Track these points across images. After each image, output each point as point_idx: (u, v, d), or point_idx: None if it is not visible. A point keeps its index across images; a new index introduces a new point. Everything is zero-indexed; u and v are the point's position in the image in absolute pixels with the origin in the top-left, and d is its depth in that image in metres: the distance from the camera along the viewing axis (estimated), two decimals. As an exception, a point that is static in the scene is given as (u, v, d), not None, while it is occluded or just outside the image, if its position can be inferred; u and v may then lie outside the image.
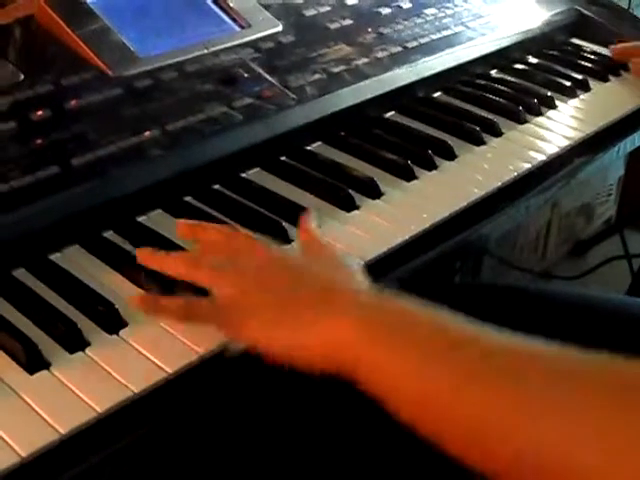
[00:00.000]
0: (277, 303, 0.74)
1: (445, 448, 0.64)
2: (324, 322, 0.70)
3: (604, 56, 1.46)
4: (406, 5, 1.33)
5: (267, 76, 1.08)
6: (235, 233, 0.84)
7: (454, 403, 0.63)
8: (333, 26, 1.22)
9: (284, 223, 0.91)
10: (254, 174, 1.02)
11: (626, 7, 1.83)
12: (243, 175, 1.01)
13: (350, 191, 0.98)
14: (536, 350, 0.64)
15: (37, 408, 0.68)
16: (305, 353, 0.71)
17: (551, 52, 1.47)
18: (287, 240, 0.90)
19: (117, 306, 0.78)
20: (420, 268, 0.93)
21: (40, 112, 0.92)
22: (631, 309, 1.14)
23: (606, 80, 1.39)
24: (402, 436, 0.75)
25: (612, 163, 2.09)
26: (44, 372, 0.72)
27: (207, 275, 0.77)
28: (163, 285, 0.80)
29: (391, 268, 0.85)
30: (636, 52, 1.39)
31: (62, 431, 0.66)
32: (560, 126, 1.21)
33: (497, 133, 1.17)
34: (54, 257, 0.85)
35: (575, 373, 0.62)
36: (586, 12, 1.52)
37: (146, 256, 0.82)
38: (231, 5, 1.14)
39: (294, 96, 1.06)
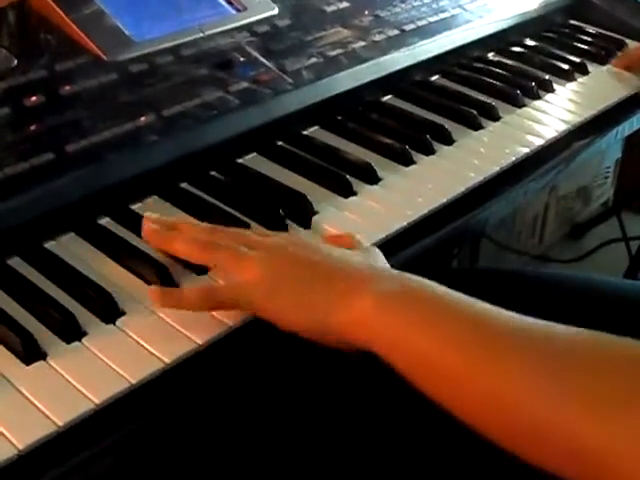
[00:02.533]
0: (295, 283, 0.74)
1: (466, 423, 0.66)
2: (343, 301, 0.71)
3: (602, 38, 1.45)
4: (403, -13, 1.32)
5: (263, 60, 1.07)
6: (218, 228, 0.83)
7: (471, 378, 0.65)
8: (330, 9, 1.21)
9: (281, 210, 0.90)
10: (251, 159, 1.01)
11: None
12: (240, 160, 1.01)
13: (347, 176, 0.97)
14: (550, 329, 0.66)
15: (34, 399, 0.67)
16: (325, 330, 0.72)
17: (549, 34, 1.46)
18: (284, 227, 0.89)
19: (114, 295, 0.77)
20: (418, 254, 0.92)
21: (34, 98, 0.90)
22: (629, 292, 1.14)
23: (604, 63, 1.38)
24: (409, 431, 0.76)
25: (610, 146, 2.09)
26: (40, 363, 0.71)
27: (226, 257, 0.77)
28: (159, 271, 0.80)
29: (389, 254, 0.84)
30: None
31: (59, 423, 0.66)
32: (558, 110, 1.20)
33: (495, 117, 1.16)
34: (49, 245, 0.85)
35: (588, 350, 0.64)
36: (584, -7, 1.51)
37: (152, 232, 0.82)
38: (226, -12, 1.13)
39: (291, 80, 1.05)
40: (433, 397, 0.68)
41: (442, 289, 0.71)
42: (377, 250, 0.83)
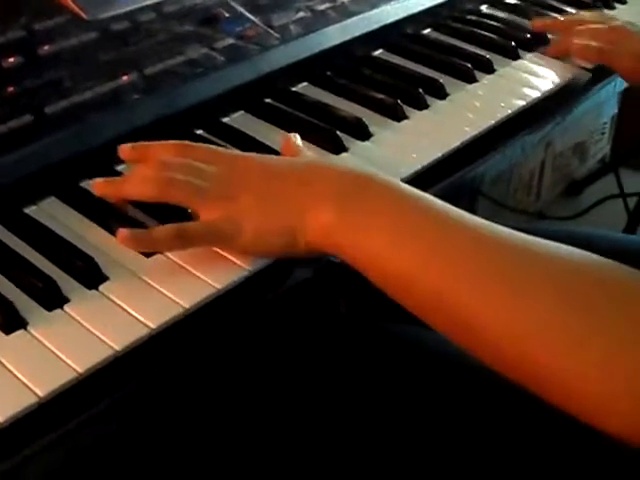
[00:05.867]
0: (258, 214, 0.74)
1: (436, 328, 0.68)
2: (307, 220, 0.72)
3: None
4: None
5: (249, 15, 1.04)
6: (187, 145, 0.82)
7: (420, 279, 0.67)
8: (317, -38, 1.17)
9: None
10: (238, 117, 0.99)
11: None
12: (226, 119, 0.98)
13: (338, 132, 0.94)
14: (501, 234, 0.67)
15: (14, 370, 0.65)
16: (296, 248, 0.74)
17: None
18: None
19: (97, 260, 0.75)
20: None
21: (12, 59, 0.88)
22: (629, 246, 1.13)
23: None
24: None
25: (606, 101, 2.06)
26: (21, 332, 0.68)
27: (184, 195, 0.76)
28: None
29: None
30: (556, 27, 1.26)
31: (41, 394, 0.63)
32: (554, 62, 1.17)
33: (489, 70, 1.13)
34: (29, 210, 0.82)
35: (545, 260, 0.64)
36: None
37: (103, 185, 0.80)
38: (210, -59, 1.10)
39: (278, 35, 1.03)
40: (387, 293, 0.70)
41: (394, 186, 0.73)
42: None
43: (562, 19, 1.27)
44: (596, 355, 0.58)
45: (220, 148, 0.82)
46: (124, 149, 0.82)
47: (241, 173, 0.77)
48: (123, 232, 0.75)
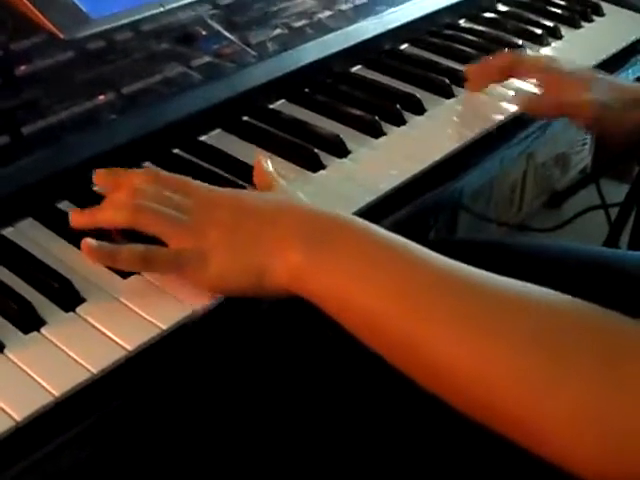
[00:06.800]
0: (228, 249, 0.74)
1: (407, 373, 0.66)
2: (275, 259, 0.72)
3: (576, 1, 1.43)
4: (369, -46, 1.29)
5: (226, 33, 1.04)
6: (160, 174, 0.82)
7: (385, 319, 0.66)
8: (294, -21, 1.18)
9: (248, 187, 0.87)
10: (215, 135, 0.98)
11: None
12: (203, 138, 0.98)
13: (316, 150, 0.94)
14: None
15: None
16: (264, 289, 0.73)
17: (521, -1, 1.44)
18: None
19: (73, 281, 0.74)
20: (392, 227, 0.90)
21: (-13, 79, 0.88)
22: (609, 260, 1.13)
23: (578, 27, 1.36)
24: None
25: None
26: (-4, 354, 0.68)
27: (155, 221, 0.76)
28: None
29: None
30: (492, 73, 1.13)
31: (17, 418, 0.63)
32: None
33: (468, 85, 1.13)
34: (6, 232, 0.81)
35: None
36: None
37: (77, 215, 0.80)
38: (186, -41, 1.10)
39: (255, 53, 1.03)
40: (359, 337, 0.69)
41: (361, 227, 0.73)
42: (293, 190, 0.83)
43: (497, 62, 1.13)
44: (567, 398, 0.57)
45: (192, 180, 0.81)
46: (99, 174, 0.82)
47: (212, 208, 0.77)
48: (88, 242, 0.75)
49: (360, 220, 0.74)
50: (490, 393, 0.60)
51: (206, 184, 0.80)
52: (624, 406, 0.55)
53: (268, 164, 0.86)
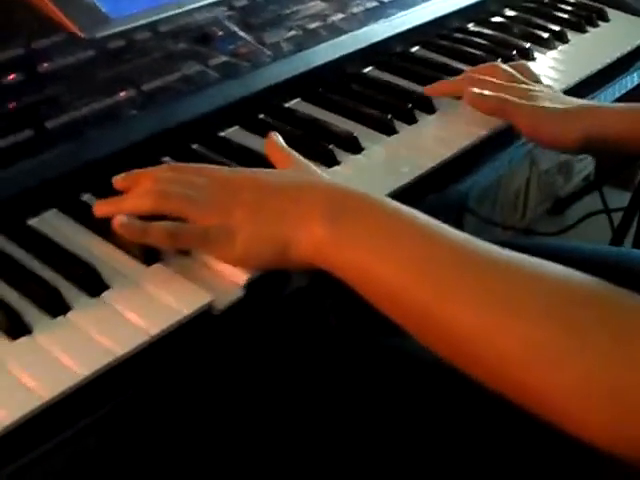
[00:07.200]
0: (250, 224, 0.76)
1: (423, 342, 0.69)
2: (299, 232, 0.74)
3: (582, 7, 1.45)
4: (381, -41, 1.31)
5: (242, 33, 1.06)
6: (178, 165, 0.85)
7: (406, 292, 0.68)
8: (307, -18, 1.20)
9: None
10: (233, 132, 1.01)
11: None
12: (222, 134, 1.00)
13: (330, 147, 0.96)
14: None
15: (19, 375, 0.66)
16: (287, 261, 0.75)
17: (528, 4, 1.46)
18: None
19: (98, 268, 0.76)
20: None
21: (12, 76, 0.89)
22: (617, 259, 1.14)
23: (584, 31, 1.38)
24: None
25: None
26: (26, 338, 0.70)
27: (179, 203, 0.78)
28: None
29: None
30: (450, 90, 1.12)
31: (46, 397, 0.65)
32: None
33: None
34: (32, 222, 0.84)
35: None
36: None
37: (101, 204, 0.81)
38: (203, -38, 1.12)
39: (270, 53, 1.05)
40: (377, 307, 0.71)
41: (383, 203, 0.75)
42: (308, 163, 0.86)
43: (456, 80, 1.12)
44: (579, 371, 0.58)
45: (210, 165, 0.83)
46: (117, 180, 0.83)
47: (235, 189, 0.78)
48: (119, 218, 0.76)
49: (384, 198, 0.76)
50: (503, 362, 0.62)
51: (225, 167, 0.83)
52: (634, 381, 0.57)
53: (279, 139, 0.88)
